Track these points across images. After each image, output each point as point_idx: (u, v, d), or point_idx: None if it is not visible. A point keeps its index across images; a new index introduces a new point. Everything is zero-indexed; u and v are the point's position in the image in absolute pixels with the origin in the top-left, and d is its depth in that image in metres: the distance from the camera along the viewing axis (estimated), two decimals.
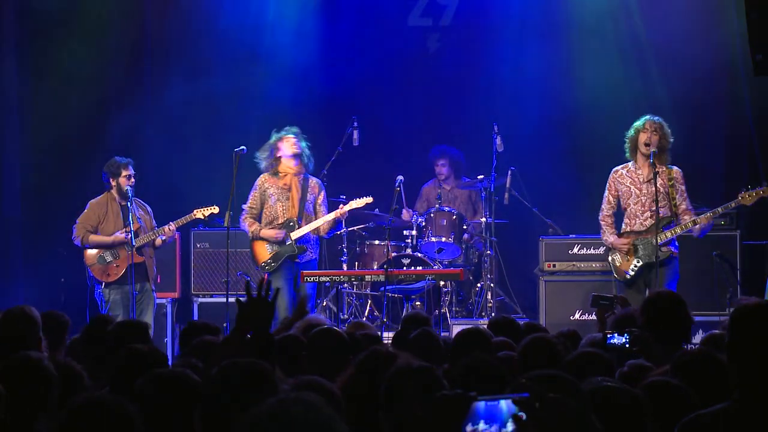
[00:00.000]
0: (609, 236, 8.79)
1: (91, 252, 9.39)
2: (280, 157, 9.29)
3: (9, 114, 10.90)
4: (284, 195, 9.24)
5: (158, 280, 9.65)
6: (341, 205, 9.32)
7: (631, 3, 11.33)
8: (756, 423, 3.10)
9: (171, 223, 9.51)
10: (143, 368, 3.71)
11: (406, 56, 11.96)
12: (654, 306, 5.36)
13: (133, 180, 9.36)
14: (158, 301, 9.80)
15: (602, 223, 8.87)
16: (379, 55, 11.74)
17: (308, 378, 3.44)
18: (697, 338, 9.02)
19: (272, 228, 9.20)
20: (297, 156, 9.25)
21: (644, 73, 11.23)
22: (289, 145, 9.29)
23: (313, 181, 9.42)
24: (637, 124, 8.67)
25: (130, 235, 9.15)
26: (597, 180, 10.63)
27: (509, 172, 10.60)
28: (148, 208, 9.66)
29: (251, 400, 3.08)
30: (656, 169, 8.50)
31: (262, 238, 9.24)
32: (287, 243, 9.12)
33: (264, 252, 9.25)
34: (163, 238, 9.49)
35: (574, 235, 10.31)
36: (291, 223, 9.17)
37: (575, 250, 10.14)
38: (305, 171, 9.35)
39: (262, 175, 9.39)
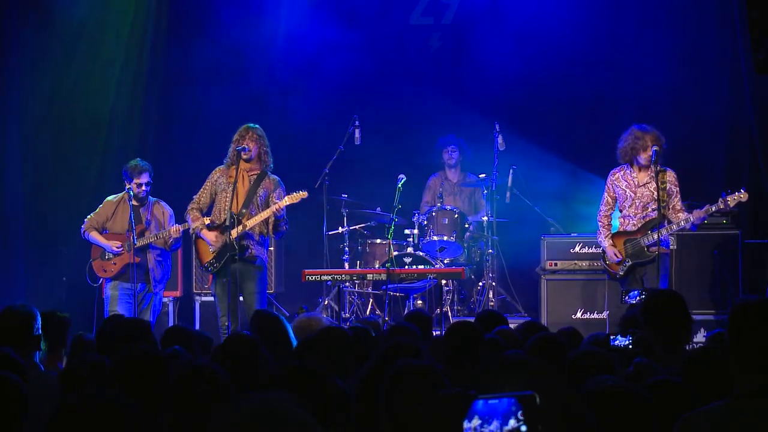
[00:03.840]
0: (604, 240, 8.98)
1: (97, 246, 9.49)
2: (238, 149, 8.75)
3: (10, 113, 10.90)
4: (230, 186, 8.73)
5: (157, 278, 9.55)
6: (277, 203, 8.70)
7: (630, 1, 11.34)
8: (755, 419, 3.11)
9: (172, 226, 9.45)
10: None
11: (407, 55, 11.96)
12: (653, 306, 5.37)
13: (144, 187, 9.32)
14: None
15: (599, 223, 9.06)
16: (380, 54, 11.74)
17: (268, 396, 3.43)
18: (698, 337, 9.08)
19: (214, 230, 8.81)
20: (252, 150, 8.73)
21: (644, 72, 11.22)
22: (246, 138, 8.79)
23: (270, 178, 8.87)
24: (635, 136, 8.73)
25: (132, 235, 9.18)
26: (598, 179, 10.64)
27: (510, 171, 10.61)
28: (167, 210, 9.57)
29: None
30: (657, 169, 8.62)
31: (203, 237, 8.88)
32: (227, 242, 8.65)
33: (207, 252, 8.87)
34: (170, 240, 9.45)
35: (575, 234, 10.32)
36: (232, 220, 8.67)
37: (577, 248, 10.14)
38: (263, 168, 8.87)
39: (217, 168, 8.95)
